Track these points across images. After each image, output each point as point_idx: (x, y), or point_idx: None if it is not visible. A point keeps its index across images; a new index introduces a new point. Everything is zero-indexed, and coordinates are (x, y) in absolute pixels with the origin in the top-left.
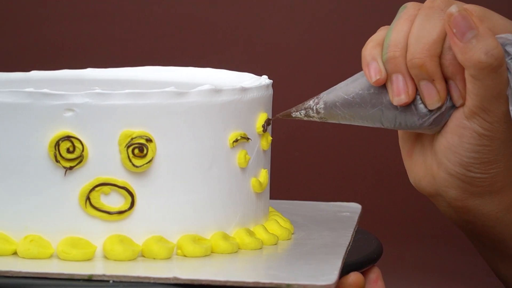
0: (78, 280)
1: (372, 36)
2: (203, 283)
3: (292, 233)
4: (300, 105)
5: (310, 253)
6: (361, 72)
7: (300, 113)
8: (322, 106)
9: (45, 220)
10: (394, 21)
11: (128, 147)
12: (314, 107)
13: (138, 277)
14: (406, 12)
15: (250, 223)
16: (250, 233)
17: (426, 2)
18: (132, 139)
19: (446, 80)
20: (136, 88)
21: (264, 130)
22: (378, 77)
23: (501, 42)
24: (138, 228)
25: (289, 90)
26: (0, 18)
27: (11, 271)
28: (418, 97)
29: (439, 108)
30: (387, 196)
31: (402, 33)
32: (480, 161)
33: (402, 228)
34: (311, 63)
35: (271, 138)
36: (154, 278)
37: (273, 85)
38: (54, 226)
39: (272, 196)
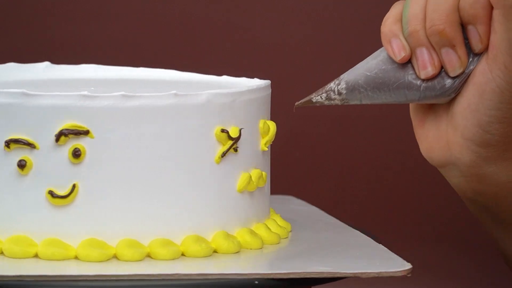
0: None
1: (388, 13)
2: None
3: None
4: (320, 89)
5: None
6: (381, 49)
7: (321, 96)
8: (344, 86)
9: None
10: None
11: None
12: (336, 89)
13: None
14: None
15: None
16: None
17: None
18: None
19: (463, 26)
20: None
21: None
22: (403, 54)
23: None
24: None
25: (289, 90)
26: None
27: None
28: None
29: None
30: (387, 195)
31: (419, 5)
32: (499, 120)
33: (402, 228)
34: (311, 63)
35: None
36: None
37: (273, 85)
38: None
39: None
